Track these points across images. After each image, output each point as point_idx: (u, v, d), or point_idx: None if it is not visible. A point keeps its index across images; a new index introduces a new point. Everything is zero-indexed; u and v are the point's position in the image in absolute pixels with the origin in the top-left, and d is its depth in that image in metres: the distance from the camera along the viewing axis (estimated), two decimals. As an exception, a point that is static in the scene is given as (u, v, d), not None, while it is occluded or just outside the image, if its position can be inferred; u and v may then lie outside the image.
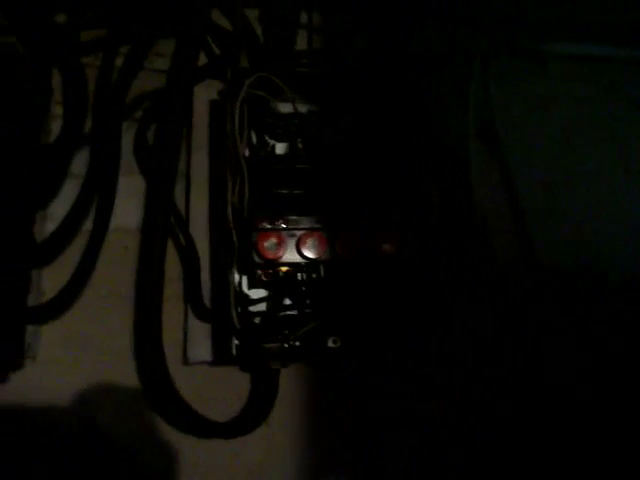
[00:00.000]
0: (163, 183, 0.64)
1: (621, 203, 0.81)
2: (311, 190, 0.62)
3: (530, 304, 0.73)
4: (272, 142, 0.64)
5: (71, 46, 0.71)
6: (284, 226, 0.60)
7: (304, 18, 0.75)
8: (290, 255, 0.59)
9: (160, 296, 0.62)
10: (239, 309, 0.59)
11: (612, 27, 0.84)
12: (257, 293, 0.62)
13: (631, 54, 0.86)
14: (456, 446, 0.69)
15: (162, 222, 0.62)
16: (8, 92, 0.64)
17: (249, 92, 0.61)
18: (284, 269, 0.61)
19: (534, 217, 0.76)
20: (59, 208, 0.65)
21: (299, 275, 0.61)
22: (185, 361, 0.64)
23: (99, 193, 0.65)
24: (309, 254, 0.59)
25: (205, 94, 0.70)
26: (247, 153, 0.62)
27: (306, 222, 0.61)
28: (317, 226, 0.61)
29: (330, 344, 0.60)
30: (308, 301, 0.61)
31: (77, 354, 0.64)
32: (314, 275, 0.61)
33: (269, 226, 0.60)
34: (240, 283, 0.61)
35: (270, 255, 0.59)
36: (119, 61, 0.71)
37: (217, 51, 0.73)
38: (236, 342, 0.60)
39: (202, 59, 0.72)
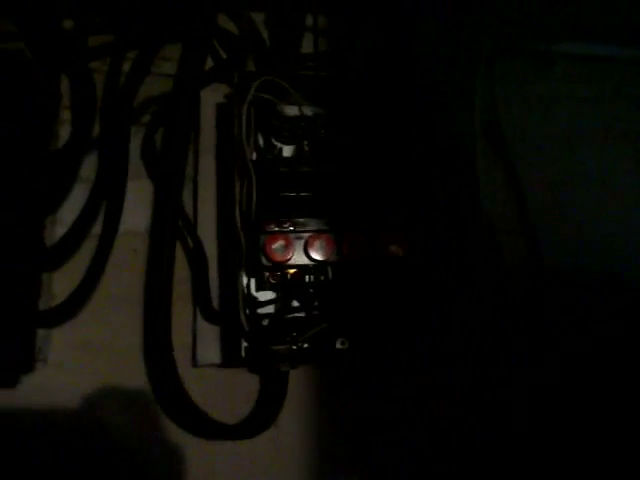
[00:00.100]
0: (171, 186, 0.64)
1: (626, 203, 0.81)
2: (318, 192, 0.63)
3: (535, 304, 0.73)
4: (279, 145, 0.64)
5: (79, 51, 0.71)
6: (292, 228, 0.60)
7: (310, 21, 0.76)
8: (298, 257, 0.60)
9: (169, 299, 0.62)
10: (247, 311, 0.59)
11: (617, 27, 0.83)
12: (265, 295, 0.62)
13: (636, 54, 0.86)
14: (465, 448, 0.69)
15: (170, 225, 0.63)
16: (17, 98, 0.64)
17: (256, 95, 0.61)
18: (292, 271, 0.61)
19: (539, 217, 0.76)
20: (68, 212, 0.65)
21: (307, 277, 0.61)
22: (194, 363, 0.65)
23: (108, 197, 0.66)
24: (317, 256, 0.60)
25: (212, 98, 0.70)
26: (254, 156, 0.62)
27: (313, 224, 0.61)
28: (324, 228, 0.61)
29: (338, 346, 0.60)
30: (316, 303, 0.61)
31: (87, 357, 0.64)
32: (322, 277, 0.61)
33: (277, 229, 0.60)
34: (248, 285, 0.61)
35: (278, 257, 0.59)
36: (126, 66, 0.71)
37: (224, 55, 0.74)
38: (245, 344, 0.60)
39: (209, 63, 0.72)
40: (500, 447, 0.69)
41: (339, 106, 0.67)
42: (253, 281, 0.62)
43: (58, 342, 0.64)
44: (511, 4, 0.81)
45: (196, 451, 0.63)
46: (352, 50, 0.77)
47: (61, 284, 0.64)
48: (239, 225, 0.59)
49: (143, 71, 0.71)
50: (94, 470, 0.62)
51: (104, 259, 0.63)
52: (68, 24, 0.72)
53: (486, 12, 0.80)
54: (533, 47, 0.84)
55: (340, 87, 0.68)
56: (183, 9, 0.71)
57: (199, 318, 0.65)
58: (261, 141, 0.64)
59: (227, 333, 0.64)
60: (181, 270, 0.66)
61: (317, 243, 0.60)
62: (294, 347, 0.59)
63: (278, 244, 0.59)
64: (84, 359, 0.64)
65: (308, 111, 0.65)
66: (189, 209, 0.68)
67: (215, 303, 0.65)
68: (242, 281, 0.60)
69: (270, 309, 0.61)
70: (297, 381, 0.66)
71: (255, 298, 0.61)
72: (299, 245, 0.60)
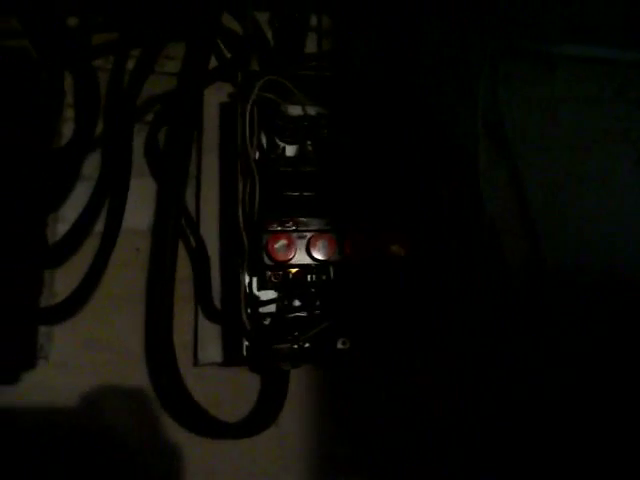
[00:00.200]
0: (174, 185, 0.64)
1: (626, 204, 0.81)
2: (321, 192, 0.63)
3: (536, 304, 0.74)
4: (282, 144, 0.64)
5: (83, 50, 0.71)
6: (294, 228, 0.60)
7: (313, 21, 0.76)
8: (300, 257, 0.60)
9: (171, 298, 0.62)
10: (249, 310, 0.60)
11: (618, 30, 0.84)
12: (267, 294, 0.62)
13: (637, 57, 0.86)
14: (465, 448, 0.69)
15: (173, 224, 0.63)
16: (21, 95, 0.64)
17: (259, 95, 0.61)
18: (294, 271, 0.61)
19: (540, 217, 0.76)
20: (71, 210, 0.65)
21: (309, 277, 0.61)
22: (195, 362, 0.65)
23: (111, 195, 0.66)
24: (319, 256, 0.60)
25: (215, 97, 0.71)
26: (257, 155, 0.62)
27: (316, 224, 0.61)
28: (327, 228, 0.61)
29: (340, 345, 0.60)
30: (318, 302, 0.61)
31: (89, 355, 0.64)
32: (324, 276, 0.62)
33: (279, 228, 0.60)
34: (250, 284, 0.61)
35: (280, 257, 0.59)
36: (130, 64, 0.71)
37: (227, 54, 0.74)
38: (246, 343, 0.60)
39: (213, 62, 0.72)
40: (500, 447, 0.69)
41: (342, 106, 0.67)
42: (255, 280, 0.62)
43: (60, 340, 0.64)
44: (514, 6, 0.81)
45: (197, 449, 0.63)
46: (355, 50, 0.77)
47: (63, 282, 0.64)
48: (242, 224, 0.59)
49: (147, 70, 0.71)
50: (95, 468, 0.62)
51: (106, 257, 0.63)
52: (72, 22, 0.72)
53: (489, 13, 0.81)
54: (536, 49, 0.84)
55: (343, 87, 0.68)
56: (187, 8, 0.71)
57: (201, 317, 0.65)
58: (264, 141, 0.64)
59: (229, 332, 0.64)
60: (183, 269, 0.66)
61: (319, 243, 0.60)
62: (295, 346, 0.59)
63: (280, 243, 0.59)
64: (86, 357, 0.64)
65: (311, 111, 0.65)
66: (192, 208, 0.68)
67: (217, 302, 0.65)
68: (244, 280, 0.60)
69: (272, 308, 0.61)
70: (298, 380, 0.66)
71: (257, 297, 0.61)
72: (301, 244, 0.60)
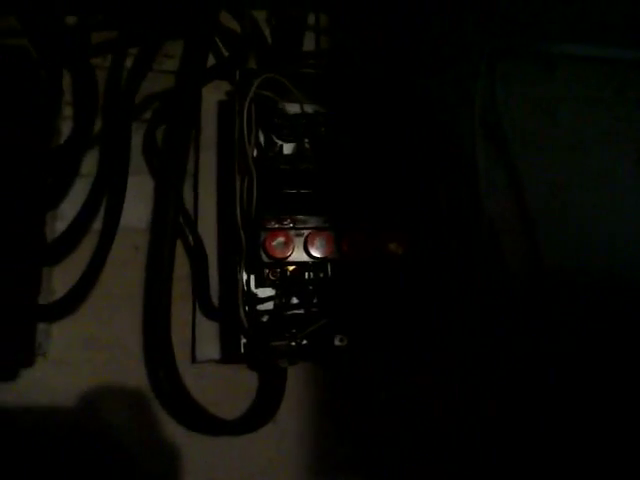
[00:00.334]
0: (172, 183, 0.64)
1: (626, 204, 0.81)
2: (319, 190, 0.63)
3: (536, 305, 0.74)
4: (280, 142, 0.64)
5: (81, 48, 0.71)
6: (292, 225, 0.61)
7: (311, 19, 0.76)
8: (297, 254, 0.60)
9: (169, 295, 0.62)
10: (247, 308, 0.60)
11: (619, 29, 0.84)
12: (265, 292, 0.62)
13: (638, 56, 0.86)
14: (465, 448, 0.69)
15: (171, 222, 0.63)
16: (19, 94, 0.64)
17: (257, 93, 0.61)
18: (291, 268, 0.61)
19: (540, 218, 0.76)
20: (69, 208, 0.66)
21: (306, 274, 0.62)
22: (193, 359, 0.65)
23: (109, 193, 0.66)
24: (316, 253, 0.60)
25: (214, 95, 0.71)
26: (255, 153, 0.62)
27: (314, 221, 0.61)
28: (324, 225, 0.61)
29: (337, 342, 0.60)
30: (315, 300, 0.61)
31: (87, 353, 0.64)
32: (321, 274, 0.62)
33: (277, 225, 0.60)
34: (248, 282, 0.61)
35: (278, 254, 0.59)
36: (128, 62, 0.71)
37: (225, 53, 0.74)
38: (244, 341, 0.60)
39: (210, 60, 0.72)
40: (500, 447, 0.69)
41: (340, 104, 0.67)
42: (253, 278, 0.62)
43: (58, 338, 0.64)
44: (514, 4, 0.81)
45: (195, 446, 0.63)
46: (353, 48, 0.77)
47: (61, 279, 0.64)
48: (239, 222, 0.59)
49: (145, 68, 0.72)
50: (93, 466, 0.62)
51: (104, 255, 0.63)
52: (71, 20, 0.72)
53: (488, 12, 0.81)
54: (535, 48, 0.84)
55: (341, 85, 0.69)
56: (185, 6, 0.71)
57: (199, 314, 0.65)
58: (262, 139, 0.64)
59: (226, 329, 0.64)
60: (181, 266, 0.66)
61: (317, 240, 0.60)
62: (293, 344, 0.59)
63: (278, 241, 0.59)
64: (84, 355, 0.64)
65: (309, 109, 0.65)
66: (190, 206, 0.68)
67: (215, 299, 0.65)
68: (242, 277, 0.60)
69: (269, 306, 0.61)
70: (296, 378, 0.66)
71: (254, 295, 0.61)
72: (299, 242, 0.60)
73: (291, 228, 0.60)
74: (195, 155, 0.69)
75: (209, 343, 0.64)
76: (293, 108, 0.65)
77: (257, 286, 0.62)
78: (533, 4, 0.82)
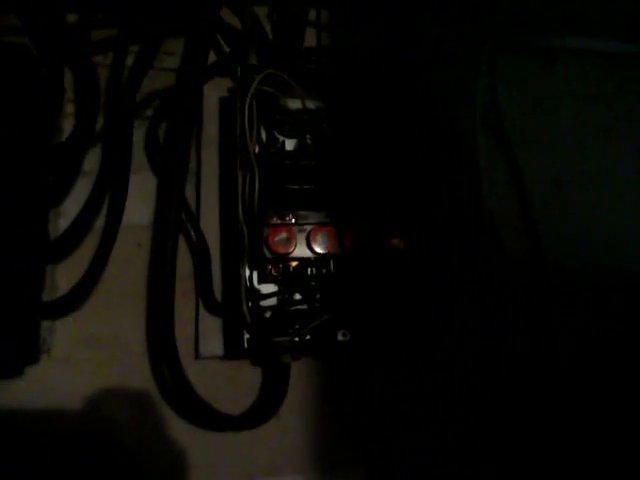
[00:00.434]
0: (174, 180, 0.64)
1: (627, 201, 0.81)
2: (320, 185, 0.63)
3: (536, 301, 0.74)
4: (281, 138, 0.64)
5: (82, 46, 0.71)
6: (294, 221, 0.61)
7: (312, 15, 0.76)
8: (300, 250, 0.60)
9: (172, 292, 0.62)
10: (250, 304, 0.60)
11: (620, 22, 0.84)
12: (267, 288, 0.62)
13: (638, 50, 0.86)
14: (465, 440, 0.69)
15: (173, 218, 0.63)
16: (21, 92, 0.64)
17: (258, 89, 0.61)
18: (294, 264, 0.61)
19: (541, 215, 0.76)
20: (72, 205, 0.66)
21: (309, 269, 0.62)
22: (196, 356, 0.65)
23: (111, 190, 0.66)
24: (319, 249, 0.60)
25: (215, 92, 0.71)
26: (257, 149, 0.62)
27: (316, 217, 0.61)
28: (326, 221, 0.61)
29: (340, 337, 0.61)
30: (318, 295, 0.61)
31: (91, 350, 0.64)
32: (323, 269, 0.62)
33: (279, 221, 0.60)
34: (251, 278, 0.61)
35: (280, 250, 0.59)
36: (129, 60, 0.71)
37: (227, 49, 0.74)
38: (247, 336, 0.60)
39: (212, 57, 0.72)
40: (500, 446, 0.69)
41: (342, 100, 0.67)
42: (255, 273, 0.62)
43: (62, 335, 0.64)
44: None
45: (199, 442, 0.64)
46: (355, 45, 0.77)
47: (65, 277, 0.65)
48: (242, 218, 0.60)
49: (146, 65, 0.72)
50: (96, 461, 0.62)
51: (107, 251, 0.63)
52: (72, 18, 0.72)
53: (489, 7, 0.80)
54: (535, 42, 0.84)
55: (342, 82, 0.68)
56: (186, 3, 0.71)
57: (202, 310, 0.65)
58: (264, 135, 0.64)
59: (229, 325, 0.65)
60: (184, 263, 0.67)
61: (319, 236, 0.60)
62: (296, 339, 0.59)
63: (280, 236, 0.59)
64: (87, 352, 0.64)
65: (311, 105, 0.65)
66: (192, 202, 0.68)
67: (218, 295, 0.65)
68: (244, 273, 0.60)
69: (272, 301, 0.62)
70: (299, 373, 0.66)
71: (257, 290, 0.62)
72: (301, 238, 0.60)
73: (293, 224, 0.61)
74: (197, 152, 0.69)
75: (212, 339, 0.65)
76: (294, 104, 0.65)
77: (260, 282, 0.62)
78: (534, -1, 0.82)
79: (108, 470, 0.63)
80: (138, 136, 0.70)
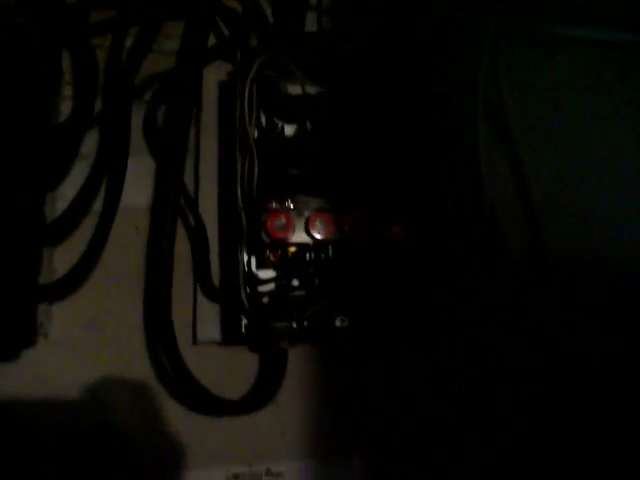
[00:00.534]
0: (172, 163, 0.64)
1: (630, 192, 0.81)
2: (320, 171, 0.63)
3: (538, 294, 0.74)
4: (281, 123, 0.64)
5: (81, 27, 0.71)
6: (293, 206, 0.61)
7: (314, -1, 0.75)
8: (299, 235, 0.60)
9: (170, 275, 0.62)
10: (248, 289, 0.60)
11: (621, 10, 0.83)
12: (266, 273, 0.62)
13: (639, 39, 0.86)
14: (463, 430, 0.69)
15: (172, 202, 0.63)
16: (18, 74, 0.64)
17: (258, 72, 0.61)
18: (292, 249, 0.61)
19: (542, 205, 0.76)
20: (70, 188, 0.65)
21: (307, 255, 0.62)
22: (194, 341, 0.65)
23: (109, 173, 0.66)
24: (317, 234, 0.60)
25: (214, 75, 0.70)
26: (256, 134, 0.62)
27: (315, 202, 0.61)
28: (326, 206, 0.61)
29: (338, 324, 0.61)
30: (316, 281, 0.62)
31: (88, 334, 0.64)
32: (322, 255, 0.62)
33: (278, 206, 0.60)
34: (249, 263, 0.61)
35: (279, 235, 0.59)
36: (128, 42, 0.71)
37: (226, 32, 0.73)
38: (245, 322, 0.60)
39: (211, 40, 0.71)
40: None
41: (342, 85, 0.67)
42: (254, 259, 0.62)
43: (59, 318, 0.64)
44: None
45: (196, 426, 0.64)
46: (356, 29, 0.76)
47: (62, 260, 0.64)
48: (240, 203, 0.59)
49: (145, 48, 0.71)
50: (94, 446, 0.63)
51: (105, 234, 0.62)
52: (70, -1, 0.71)
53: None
54: (537, 31, 0.83)
55: (343, 66, 0.68)
56: (186, -14, 0.70)
57: (199, 295, 0.65)
58: (263, 119, 0.64)
59: (227, 311, 0.64)
60: (182, 247, 0.66)
61: (318, 221, 0.60)
62: (294, 325, 0.60)
63: (279, 222, 0.59)
64: (85, 336, 0.64)
65: (311, 90, 0.65)
66: (190, 187, 0.68)
67: (216, 280, 0.65)
68: (243, 259, 0.60)
69: (270, 287, 0.61)
70: (296, 359, 0.66)
71: (255, 276, 0.61)
72: (300, 223, 0.60)
73: (292, 209, 0.60)
74: (196, 136, 0.69)
75: (210, 324, 0.65)
76: (295, 89, 0.64)
77: (258, 267, 0.62)
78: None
79: (104, 454, 0.63)
80: (136, 119, 0.69)
